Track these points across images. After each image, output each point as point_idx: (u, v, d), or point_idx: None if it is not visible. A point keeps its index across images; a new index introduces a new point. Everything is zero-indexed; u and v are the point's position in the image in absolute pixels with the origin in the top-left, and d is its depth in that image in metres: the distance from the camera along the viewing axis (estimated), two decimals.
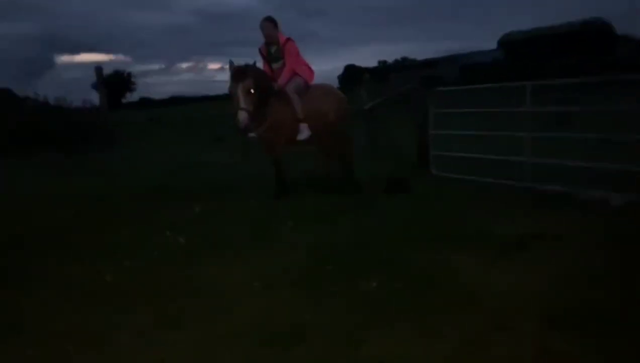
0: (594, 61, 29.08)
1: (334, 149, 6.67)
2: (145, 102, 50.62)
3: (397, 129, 9.20)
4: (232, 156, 9.85)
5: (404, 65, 57.27)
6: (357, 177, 6.79)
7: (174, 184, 6.84)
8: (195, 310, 3.21)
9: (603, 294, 3.11)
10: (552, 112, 6.96)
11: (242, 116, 5.43)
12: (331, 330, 2.87)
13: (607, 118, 6.72)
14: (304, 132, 6.14)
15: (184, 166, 8.80)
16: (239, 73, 5.58)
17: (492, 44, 47.45)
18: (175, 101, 53.62)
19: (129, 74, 68.95)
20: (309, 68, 6.36)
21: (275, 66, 6.17)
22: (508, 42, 44.95)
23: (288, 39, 6.08)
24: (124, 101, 59.59)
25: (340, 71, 75.42)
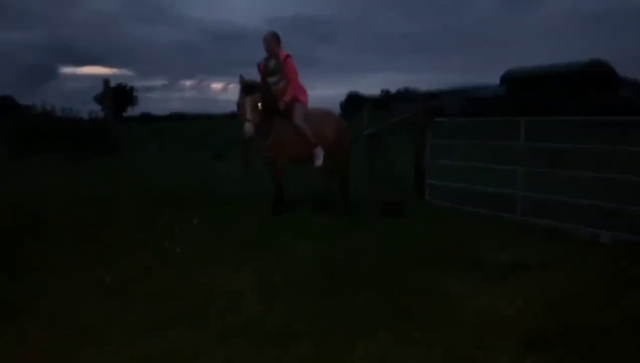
0: (595, 102, 29.54)
1: (332, 170, 6.85)
2: (146, 117, 51.03)
3: (396, 156, 9.39)
4: (231, 170, 10.03)
5: (407, 95, 57.98)
6: (354, 198, 6.96)
7: (174, 194, 6.98)
8: (189, 312, 3.35)
9: (577, 322, 3.26)
10: (547, 149, 7.14)
11: (249, 126, 5.72)
12: (321, 337, 3.02)
13: (604, 158, 6.92)
14: (319, 158, 6.42)
15: (184, 177, 8.96)
16: (248, 87, 5.87)
17: (495, 80, 48.16)
18: (176, 117, 54.08)
19: (132, 88, 69.82)
20: (304, 89, 6.56)
21: (271, 79, 6.35)
22: (510, 79, 45.62)
23: (288, 56, 6.30)
24: (124, 114, 60.24)
25: (342, 97, 76.17)
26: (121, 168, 8.83)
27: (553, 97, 34.02)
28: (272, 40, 6.27)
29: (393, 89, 75.35)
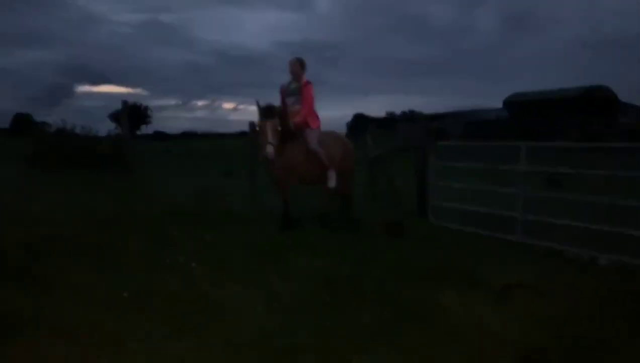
0: (596, 126, 29.75)
1: (339, 190, 7.07)
2: (159, 136, 51.55)
3: (400, 177, 9.58)
4: (240, 188, 10.25)
5: (411, 117, 58.42)
6: (357, 217, 7.17)
7: (186, 211, 7.21)
8: (201, 326, 3.54)
9: (573, 340, 3.42)
10: (547, 172, 7.31)
11: (270, 149, 6.03)
12: (325, 351, 3.20)
13: (603, 182, 7.09)
14: (333, 180, 6.71)
15: (196, 194, 9.19)
16: (268, 111, 6.20)
17: (497, 103, 48.48)
18: (188, 136, 54.64)
19: (146, 107, 70.89)
20: (317, 115, 6.85)
21: (289, 100, 6.71)
22: (513, 103, 45.91)
23: (309, 82, 6.63)
24: (138, 133, 60.94)
25: (349, 118, 76.66)
26: (136, 185, 9.06)
27: (554, 121, 34.25)
28: (297, 66, 6.64)
29: (398, 111, 75.89)
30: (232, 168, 13.71)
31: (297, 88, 6.63)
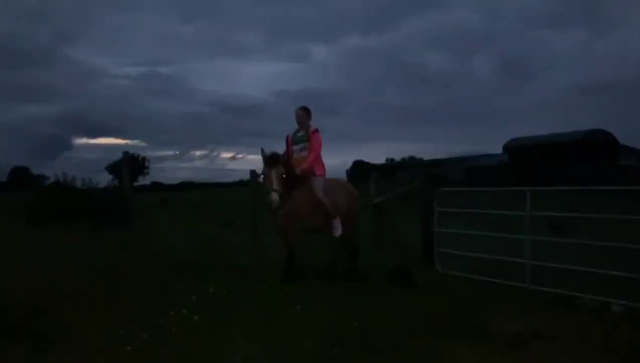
0: (597, 170, 29.85)
1: (343, 238, 6.96)
2: (157, 186, 51.71)
3: (403, 224, 9.51)
4: (241, 239, 10.16)
5: (412, 163, 58.81)
6: (362, 267, 7.04)
7: (189, 262, 7.11)
8: None
9: None
10: (553, 217, 7.25)
11: (275, 196, 5.98)
12: None
13: (609, 226, 7.00)
14: (338, 229, 6.66)
15: (197, 245, 9.09)
16: (273, 159, 6.21)
17: (497, 149, 48.95)
18: (186, 185, 54.82)
19: (144, 159, 71.41)
20: (323, 163, 6.85)
21: (295, 147, 6.75)
22: (513, 148, 46.32)
23: (316, 130, 6.69)
24: (136, 184, 61.19)
25: (348, 165, 77.23)
26: (136, 237, 8.99)
27: (555, 165, 34.39)
28: (303, 115, 6.75)
29: (398, 157, 76.44)
30: (232, 218, 13.65)
31: (304, 136, 6.68)
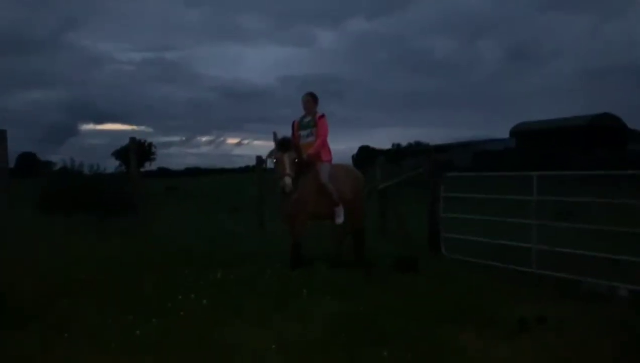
0: (604, 154, 29.65)
1: (349, 225, 6.98)
2: (163, 172, 51.85)
3: (409, 210, 9.51)
4: (248, 225, 10.20)
5: (418, 149, 58.61)
6: (368, 253, 7.06)
7: (196, 249, 7.16)
8: None
9: None
10: (560, 202, 7.22)
11: (288, 180, 5.98)
12: None
13: (616, 211, 6.98)
14: (341, 216, 6.64)
15: (204, 232, 9.15)
16: (286, 143, 6.21)
17: (504, 134, 48.69)
18: (192, 171, 54.92)
19: (150, 144, 71.47)
20: (329, 149, 6.84)
21: (302, 133, 6.75)
22: (520, 132, 46.04)
23: (323, 115, 6.69)
24: (142, 170, 61.34)
25: (354, 151, 77.07)
26: (143, 225, 9.04)
27: (562, 150, 34.20)
28: (310, 101, 6.73)
29: (404, 143, 76.19)
30: (239, 204, 13.71)
31: (311, 121, 6.67)
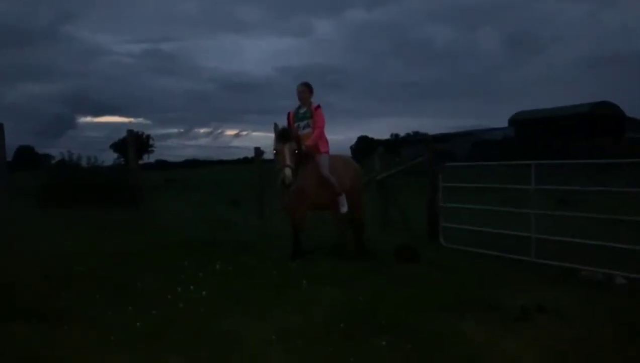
0: (603, 142, 29.66)
1: (349, 215, 6.98)
2: (161, 164, 51.67)
3: (408, 199, 9.52)
4: (248, 216, 10.21)
5: (416, 139, 58.53)
6: (368, 243, 7.08)
7: (196, 240, 7.16)
8: (217, 358, 3.47)
9: None
10: (558, 191, 7.24)
11: (288, 172, 5.93)
12: None
13: (614, 199, 7.00)
14: (344, 205, 6.64)
15: (203, 224, 9.15)
16: (286, 134, 6.17)
17: (502, 123, 48.61)
18: (190, 163, 54.76)
19: (148, 137, 71.27)
20: (326, 139, 6.82)
21: (298, 123, 6.68)
22: (519, 121, 45.96)
23: (319, 106, 6.63)
24: (140, 162, 61.10)
25: (352, 141, 77.08)
26: (143, 216, 9.05)
27: (561, 138, 34.18)
28: (305, 90, 6.65)
29: (402, 133, 76.24)
30: (238, 195, 13.69)
31: (307, 112, 6.62)
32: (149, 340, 3.72)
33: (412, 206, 9.20)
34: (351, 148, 69.64)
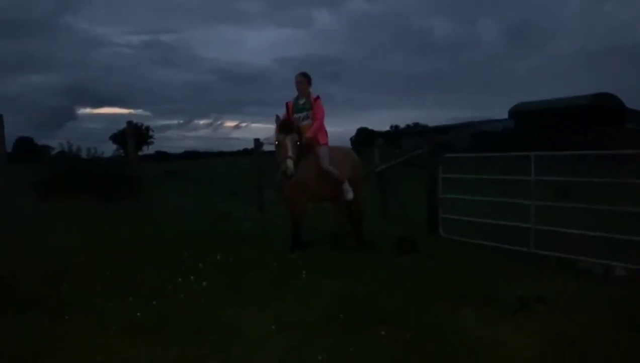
0: (603, 134, 29.61)
1: (348, 207, 6.98)
2: (161, 156, 51.54)
3: (407, 191, 9.53)
4: (247, 208, 10.22)
5: (416, 130, 58.45)
6: (368, 235, 7.09)
7: (196, 232, 7.17)
8: (217, 348, 3.49)
9: (592, 358, 3.41)
10: (558, 182, 7.23)
11: (290, 163, 5.91)
12: None
13: (613, 190, 7.00)
14: (349, 192, 6.64)
15: (203, 215, 9.15)
16: (288, 126, 6.14)
17: (503, 114, 48.50)
18: (190, 155, 54.64)
19: (147, 128, 71.08)
20: (326, 130, 6.80)
21: (298, 115, 6.64)
22: (518, 113, 45.87)
23: (318, 97, 6.59)
24: (140, 153, 60.99)
25: (352, 133, 77.04)
26: (143, 208, 9.04)
27: (561, 130, 34.13)
28: (303, 81, 6.60)
29: (402, 125, 76.13)
30: (238, 187, 13.69)
31: (306, 104, 6.59)
32: (150, 331, 3.74)
33: (412, 198, 9.20)
34: (351, 139, 69.65)
